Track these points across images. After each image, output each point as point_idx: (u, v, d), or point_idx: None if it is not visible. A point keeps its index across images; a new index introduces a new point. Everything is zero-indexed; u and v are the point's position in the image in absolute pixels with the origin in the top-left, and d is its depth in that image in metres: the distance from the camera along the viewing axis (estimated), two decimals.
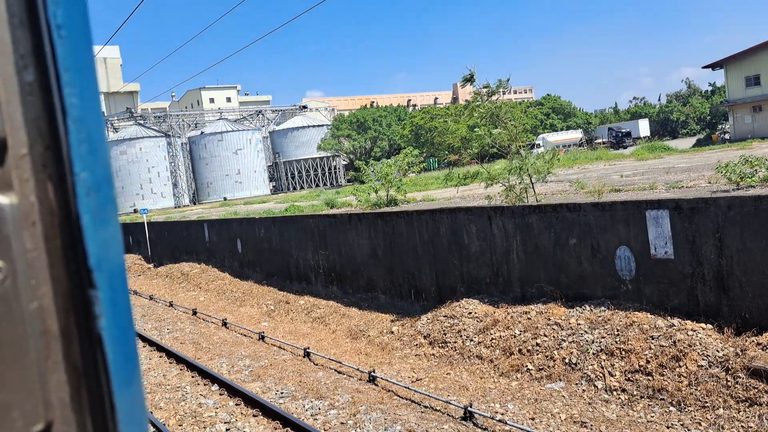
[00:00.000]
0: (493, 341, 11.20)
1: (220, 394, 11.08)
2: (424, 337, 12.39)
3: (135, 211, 59.86)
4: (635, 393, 8.76)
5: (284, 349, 13.65)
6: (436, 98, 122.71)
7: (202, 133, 74.73)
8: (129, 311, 0.79)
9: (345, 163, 79.94)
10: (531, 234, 11.82)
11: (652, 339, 9.21)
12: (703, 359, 8.51)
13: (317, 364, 12.33)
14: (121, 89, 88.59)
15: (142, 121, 74.77)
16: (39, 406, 0.71)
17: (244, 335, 15.33)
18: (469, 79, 13.99)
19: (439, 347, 11.92)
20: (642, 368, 8.97)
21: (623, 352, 9.34)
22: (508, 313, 11.58)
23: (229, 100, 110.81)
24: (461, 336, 11.78)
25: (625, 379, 9.04)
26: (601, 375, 9.32)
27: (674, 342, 8.93)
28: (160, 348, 14.65)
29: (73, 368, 0.74)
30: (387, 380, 10.69)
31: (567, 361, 9.87)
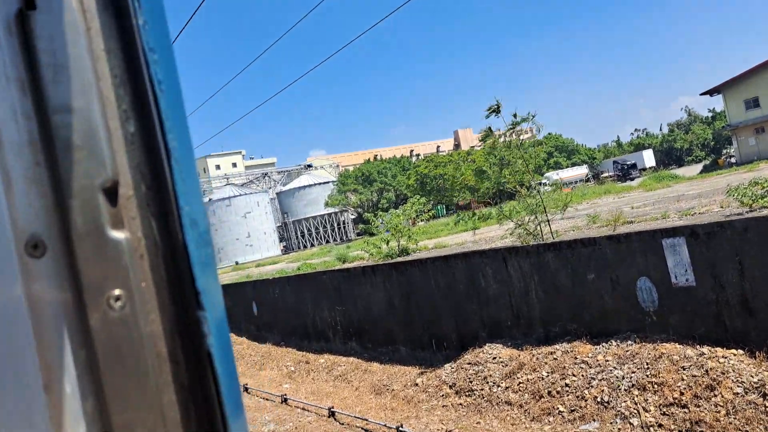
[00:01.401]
0: (521, 385, 10.95)
1: None
2: (450, 387, 12.14)
3: None
4: (672, 427, 8.48)
5: (308, 411, 13.39)
6: (438, 146, 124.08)
7: (210, 200, 75.56)
8: (227, 331, 0.85)
9: (353, 217, 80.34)
10: (548, 272, 11.72)
11: (684, 369, 8.98)
12: (738, 386, 8.27)
13: (343, 423, 12.07)
14: None
15: None
16: (159, 422, 0.78)
17: (267, 399, 15.09)
18: (496, 110, 13.63)
19: (466, 396, 11.66)
20: (677, 401, 8.71)
21: (655, 386, 9.09)
22: (533, 355, 11.37)
23: (234, 165, 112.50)
24: (487, 382, 11.54)
25: (661, 413, 8.77)
26: (635, 411, 9.05)
27: (706, 371, 8.70)
28: None
29: (182, 388, 0.80)
30: None
31: (599, 399, 9.62)
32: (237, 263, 67.78)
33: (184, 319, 0.82)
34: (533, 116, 13.81)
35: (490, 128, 14.64)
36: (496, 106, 13.59)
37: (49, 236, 0.77)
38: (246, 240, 73.53)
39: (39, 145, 0.77)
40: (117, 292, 0.78)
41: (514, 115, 13.74)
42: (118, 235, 0.80)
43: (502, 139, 14.66)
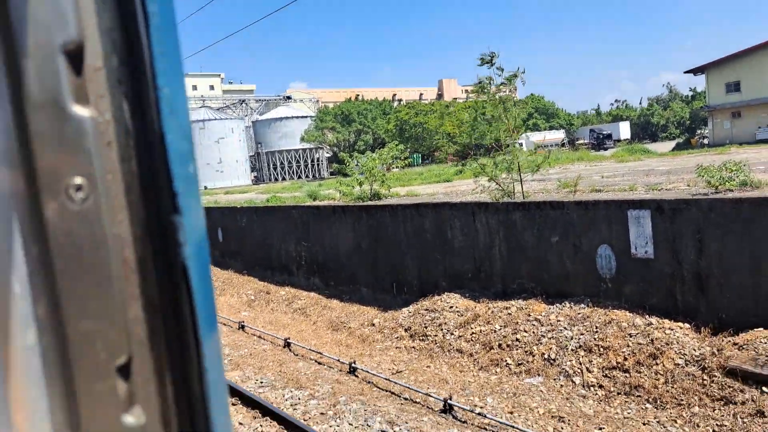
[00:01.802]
0: (474, 335, 11.29)
1: None
2: (405, 330, 12.44)
3: None
4: (612, 389, 8.90)
5: (264, 339, 13.61)
6: (421, 94, 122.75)
7: None
8: (206, 241, 0.74)
9: (328, 155, 79.69)
10: (514, 230, 11.92)
11: (630, 337, 9.36)
12: (680, 358, 8.68)
13: (298, 355, 12.33)
14: None
15: None
16: (122, 338, 0.68)
17: (224, 324, 15.26)
18: (489, 61, 13.33)
19: (420, 340, 11.98)
20: (619, 365, 9.11)
21: (601, 349, 9.48)
22: (488, 308, 11.68)
23: (212, 88, 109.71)
24: (442, 330, 11.85)
25: (603, 375, 9.18)
26: (579, 371, 9.45)
27: (652, 340, 9.08)
28: None
29: (150, 303, 0.70)
30: (367, 372, 10.73)
31: (546, 356, 9.99)
32: (206, 188, 67.00)
33: (158, 223, 0.70)
34: (523, 72, 13.71)
35: (489, 78, 14.23)
36: (489, 57, 13.37)
37: None
38: (217, 166, 72.52)
39: None
40: (78, 180, 0.66)
41: (500, 68, 13.57)
42: (81, 111, 0.66)
43: (488, 95, 14.55)
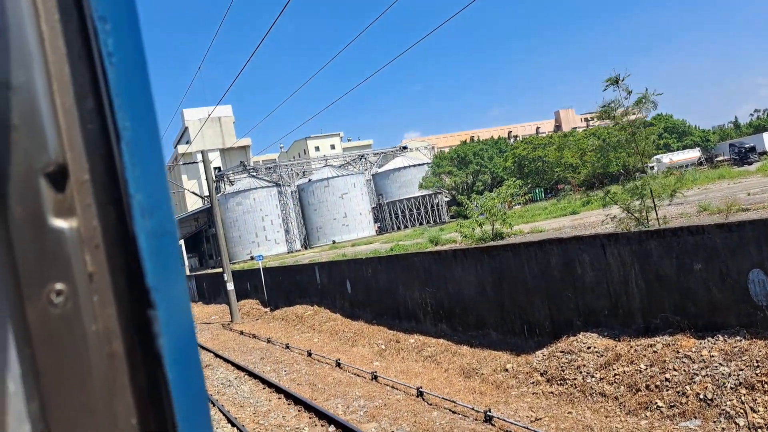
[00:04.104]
0: (617, 377, 10.53)
1: None
2: (541, 374, 11.88)
3: (251, 258, 62.91)
4: None
5: (397, 389, 13.59)
6: (537, 128, 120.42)
7: (309, 180, 77.84)
8: (191, 331, 0.79)
9: (447, 199, 79.95)
10: (650, 261, 11.13)
11: None
12: None
13: (431, 404, 12.15)
14: (234, 145, 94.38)
15: (254, 173, 79.15)
16: (106, 429, 0.73)
17: (357, 375, 15.45)
18: (615, 81, 13.18)
19: (558, 384, 11.37)
20: None
21: (766, 386, 8.45)
22: (630, 347, 10.89)
23: (333, 147, 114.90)
24: (581, 372, 11.19)
25: None
26: (742, 411, 8.46)
27: None
28: (278, 389, 15.07)
29: (140, 391, 0.75)
30: (504, 420, 10.32)
31: (701, 396, 9.07)
32: (334, 242, 69.56)
33: (137, 317, 0.76)
34: (655, 94, 13.14)
35: (606, 110, 13.86)
36: (615, 78, 13.05)
37: None
38: (342, 220, 75.25)
39: None
40: (59, 286, 0.73)
41: (627, 91, 13.10)
42: (62, 224, 0.74)
43: (617, 119, 13.93)
